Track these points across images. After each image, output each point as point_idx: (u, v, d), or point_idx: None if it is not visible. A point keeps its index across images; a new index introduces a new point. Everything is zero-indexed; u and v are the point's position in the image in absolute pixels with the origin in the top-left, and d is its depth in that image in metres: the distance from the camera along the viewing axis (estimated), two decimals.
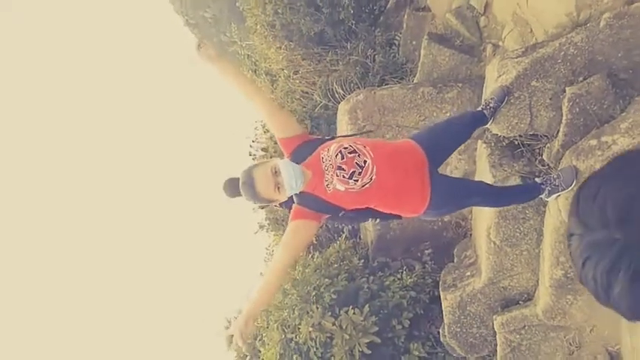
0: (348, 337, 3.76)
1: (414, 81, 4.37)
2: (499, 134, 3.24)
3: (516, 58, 3.07)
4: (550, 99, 3.01)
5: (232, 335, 2.24)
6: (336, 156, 2.28)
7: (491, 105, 2.99)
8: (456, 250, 4.13)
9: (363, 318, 3.81)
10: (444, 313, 3.81)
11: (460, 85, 3.97)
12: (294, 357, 3.92)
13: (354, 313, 3.82)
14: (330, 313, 3.89)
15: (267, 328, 4.34)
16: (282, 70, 5.66)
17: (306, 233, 2.35)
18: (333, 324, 3.82)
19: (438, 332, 4.00)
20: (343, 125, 4.22)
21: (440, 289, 3.88)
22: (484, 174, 3.47)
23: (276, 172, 2.21)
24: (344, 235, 4.86)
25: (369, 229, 4.59)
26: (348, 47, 5.07)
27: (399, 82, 4.57)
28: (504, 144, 3.41)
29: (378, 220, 3.24)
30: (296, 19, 5.11)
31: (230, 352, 5.08)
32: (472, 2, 4.08)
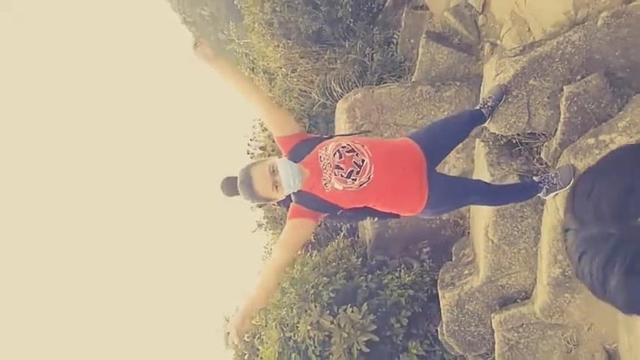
0: (346, 335, 3.76)
1: (412, 79, 4.37)
2: (497, 133, 3.25)
3: (514, 56, 3.07)
4: (548, 98, 3.01)
5: (228, 332, 2.24)
6: (334, 155, 2.28)
7: (489, 104, 2.99)
8: (454, 248, 4.14)
9: (362, 316, 3.82)
10: (442, 311, 3.81)
11: (458, 83, 3.98)
12: (293, 355, 3.92)
13: (352, 312, 3.83)
14: (328, 312, 3.89)
15: (266, 326, 4.35)
16: (280, 68, 5.65)
17: (304, 232, 2.35)
18: (332, 322, 3.82)
19: (436, 330, 4.01)
20: (341, 124, 4.22)
21: (438, 287, 3.89)
22: (482, 172, 3.47)
23: (274, 170, 2.22)
24: (342, 234, 4.86)
25: (368, 227, 4.59)
26: (346, 45, 5.06)
27: (397, 81, 4.57)
28: (502, 142, 3.41)
29: (376, 219, 3.24)
30: (294, 17, 5.10)
31: (229, 351, 5.08)
32: (470, 1, 4.08)
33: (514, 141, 3.34)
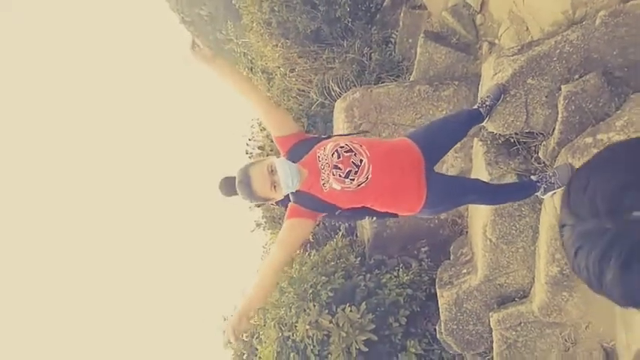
0: (345, 334, 3.77)
1: (411, 79, 4.38)
2: (495, 132, 3.25)
3: (512, 56, 3.08)
4: (546, 97, 3.02)
5: (224, 331, 2.25)
6: (332, 155, 2.28)
7: (487, 103, 2.99)
8: (452, 247, 4.15)
9: (360, 316, 3.82)
10: (440, 310, 3.82)
11: (456, 83, 3.98)
12: (291, 355, 3.93)
13: (350, 311, 3.83)
14: (327, 311, 3.90)
15: (264, 326, 4.35)
16: (279, 68, 5.65)
17: (302, 232, 2.36)
18: (330, 322, 3.83)
19: (435, 329, 4.01)
20: (340, 123, 4.22)
21: (436, 286, 3.89)
22: (480, 172, 3.48)
23: (272, 170, 2.22)
24: (340, 233, 4.87)
25: (366, 226, 4.60)
26: (345, 45, 5.06)
27: (396, 80, 4.57)
28: (500, 142, 3.42)
29: (374, 219, 3.24)
30: (292, 16, 5.10)
31: (227, 351, 5.08)
32: (468, 0, 4.09)
33: (512, 140, 3.35)
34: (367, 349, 3.77)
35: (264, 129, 5.49)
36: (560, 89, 2.95)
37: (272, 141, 2.77)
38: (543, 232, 3.13)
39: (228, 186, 2.36)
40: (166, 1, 9.71)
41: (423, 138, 2.55)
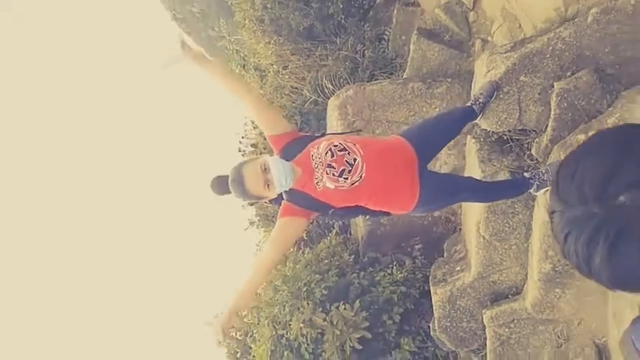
0: (339, 332, 3.77)
1: (404, 76, 4.37)
2: (488, 129, 3.25)
3: (505, 53, 3.08)
4: (539, 94, 3.02)
5: (213, 328, 2.25)
6: (326, 154, 2.28)
7: (480, 100, 3.00)
8: (445, 244, 4.15)
9: (354, 313, 3.82)
10: (434, 307, 3.83)
11: (449, 80, 3.98)
12: (285, 353, 3.92)
13: (344, 309, 3.83)
14: (320, 309, 3.89)
15: (258, 324, 4.34)
16: (272, 65, 5.62)
17: (295, 230, 2.35)
18: (324, 320, 3.83)
19: (429, 327, 4.02)
20: (333, 120, 4.21)
21: (430, 283, 3.90)
22: (473, 169, 3.48)
23: (265, 169, 2.21)
24: (334, 231, 4.86)
25: (360, 224, 4.59)
26: (338, 42, 5.05)
27: (389, 78, 4.56)
28: (493, 139, 3.43)
29: (367, 217, 3.24)
30: (285, 13, 5.08)
31: (221, 349, 5.07)
32: None
33: (505, 137, 3.35)
34: (361, 347, 3.77)
35: (257, 127, 5.47)
36: (552, 86, 2.95)
37: (265, 139, 2.76)
38: (536, 229, 3.14)
39: (220, 185, 2.35)
40: None
41: (417, 136, 2.55)
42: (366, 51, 4.85)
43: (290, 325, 3.91)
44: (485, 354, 3.69)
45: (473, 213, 3.61)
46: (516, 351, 3.53)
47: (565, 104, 2.91)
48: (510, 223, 3.38)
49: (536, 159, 3.18)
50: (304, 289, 4.05)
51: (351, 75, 4.81)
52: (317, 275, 4.15)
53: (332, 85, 4.80)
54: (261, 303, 4.37)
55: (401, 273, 4.15)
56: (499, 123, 3.13)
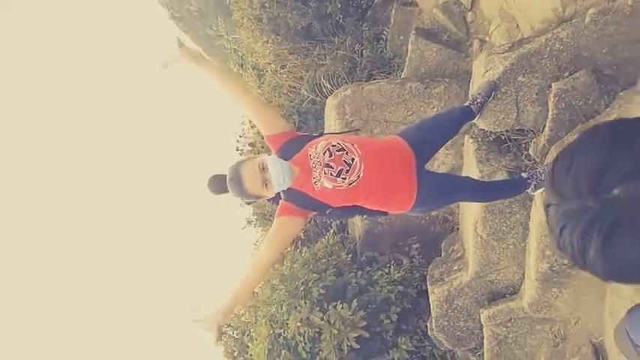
0: (336, 331, 3.77)
1: (402, 76, 4.38)
2: (486, 129, 3.26)
3: (503, 53, 3.08)
4: (536, 94, 3.03)
5: (197, 320, 2.25)
6: (324, 153, 2.28)
7: (478, 100, 3.00)
8: (443, 244, 4.16)
9: (352, 313, 3.82)
10: (431, 306, 3.83)
11: (447, 80, 3.98)
12: (283, 352, 3.93)
13: (342, 308, 3.83)
14: (318, 308, 3.90)
15: (256, 323, 4.34)
16: (269, 64, 5.62)
17: (292, 229, 2.36)
18: (322, 319, 3.83)
19: (426, 326, 4.03)
20: (331, 120, 4.21)
21: (427, 283, 3.91)
22: (471, 169, 3.49)
23: (263, 168, 2.21)
24: (332, 230, 4.86)
25: (357, 223, 4.60)
26: (336, 42, 5.05)
27: (387, 77, 4.57)
28: (491, 139, 3.43)
29: (365, 217, 3.24)
30: (283, 12, 5.08)
31: (218, 348, 5.07)
32: None
33: (503, 137, 3.36)
34: (358, 346, 3.78)
35: (255, 126, 5.46)
36: (550, 87, 2.96)
37: (263, 138, 2.76)
38: (534, 228, 3.15)
39: (217, 184, 2.35)
40: None
41: (414, 136, 2.55)
42: (364, 50, 4.85)
43: (287, 324, 3.91)
44: (483, 353, 3.70)
45: (470, 212, 3.62)
46: (513, 350, 3.54)
47: (562, 104, 2.91)
48: (508, 222, 3.39)
49: (534, 159, 3.18)
50: (302, 288, 4.05)
51: (349, 74, 4.81)
52: (314, 274, 4.15)
53: (330, 84, 4.80)
54: (258, 302, 4.38)
55: (398, 272, 4.15)
56: (497, 123, 3.14)
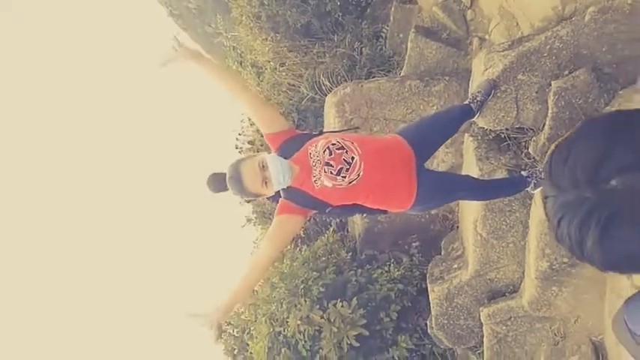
0: (336, 329, 3.77)
1: (401, 74, 4.37)
2: (486, 127, 3.26)
3: (503, 51, 3.08)
4: (536, 92, 3.03)
5: (206, 321, 2.25)
6: (323, 152, 2.28)
7: (478, 98, 3.00)
8: (443, 242, 4.16)
9: (351, 311, 3.83)
10: (431, 305, 3.84)
11: (447, 78, 3.98)
12: (283, 350, 3.93)
13: (342, 306, 3.84)
14: (318, 306, 3.90)
15: (255, 321, 4.34)
16: (269, 62, 5.61)
17: (292, 228, 2.36)
18: (322, 317, 3.83)
19: (426, 324, 4.03)
20: (330, 118, 4.21)
21: (427, 281, 3.91)
22: (471, 167, 3.49)
23: (263, 166, 2.21)
24: (332, 229, 4.87)
25: (357, 222, 4.60)
26: (335, 39, 5.04)
27: (386, 75, 4.56)
28: (491, 137, 3.43)
29: (365, 215, 3.24)
30: (282, 10, 5.06)
31: (218, 346, 5.07)
32: None
33: (502, 136, 3.36)
34: (358, 344, 3.78)
35: (254, 124, 5.45)
36: (550, 85, 2.96)
37: (262, 136, 2.76)
38: (533, 227, 3.15)
39: (217, 182, 2.35)
40: None
41: (414, 135, 2.55)
42: (363, 48, 4.84)
43: (287, 322, 3.91)
44: (483, 351, 3.71)
45: (470, 211, 3.62)
46: (513, 348, 3.55)
47: (562, 103, 2.91)
48: (507, 221, 3.39)
49: (534, 157, 3.18)
50: (301, 286, 4.05)
51: (348, 72, 4.80)
52: (314, 273, 4.15)
53: (329, 82, 4.79)
54: (258, 300, 4.38)
55: (398, 270, 4.15)
56: (497, 121, 3.14)
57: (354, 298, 3.90)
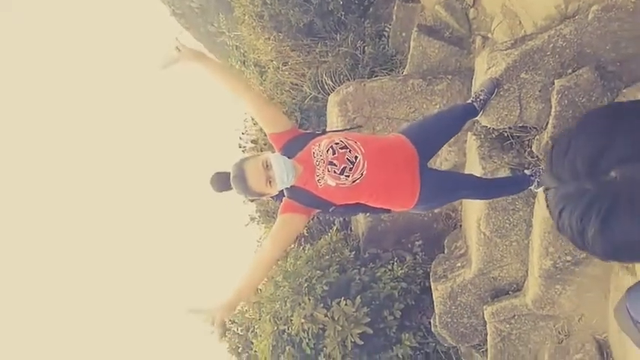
0: (340, 328, 3.78)
1: (404, 73, 4.37)
2: (489, 126, 3.26)
3: (505, 50, 3.08)
4: (539, 91, 3.02)
5: (199, 311, 2.26)
6: (327, 151, 2.28)
7: (480, 97, 3.00)
8: (446, 241, 4.17)
9: (355, 309, 3.84)
10: (434, 303, 3.84)
11: (450, 77, 3.98)
12: (287, 348, 3.94)
13: (345, 305, 3.85)
14: (322, 305, 3.91)
15: (260, 320, 4.36)
16: (271, 61, 5.62)
17: (295, 227, 2.36)
18: (326, 315, 3.84)
19: (429, 322, 4.04)
20: (333, 117, 4.21)
21: (431, 279, 3.92)
22: (474, 166, 3.49)
23: (267, 165, 2.22)
24: (335, 227, 4.87)
25: (360, 220, 4.60)
26: (338, 39, 5.04)
27: (389, 74, 4.56)
28: (494, 136, 3.43)
29: (368, 214, 3.25)
30: (285, 9, 5.07)
31: (222, 343, 5.08)
32: None
33: (506, 134, 3.36)
34: (362, 343, 3.79)
35: (257, 123, 5.46)
36: (553, 83, 2.96)
37: (266, 135, 2.77)
38: (537, 225, 3.15)
39: (220, 181, 2.36)
40: None
41: (417, 134, 2.55)
42: (366, 47, 4.84)
43: (291, 320, 3.92)
44: (486, 350, 3.71)
45: (473, 210, 3.62)
46: (517, 347, 3.55)
47: (566, 101, 2.91)
48: (511, 219, 3.39)
49: (537, 156, 3.18)
50: (305, 284, 4.07)
51: (351, 71, 4.81)
52: (318, 271, 4.16)
53: (332, 81, 4.80)
54: (262, 299, 4.39)
55: (401, 269, 4.16)
56: (500, 120, 3.14)
57: (358, 297, 3.91)
